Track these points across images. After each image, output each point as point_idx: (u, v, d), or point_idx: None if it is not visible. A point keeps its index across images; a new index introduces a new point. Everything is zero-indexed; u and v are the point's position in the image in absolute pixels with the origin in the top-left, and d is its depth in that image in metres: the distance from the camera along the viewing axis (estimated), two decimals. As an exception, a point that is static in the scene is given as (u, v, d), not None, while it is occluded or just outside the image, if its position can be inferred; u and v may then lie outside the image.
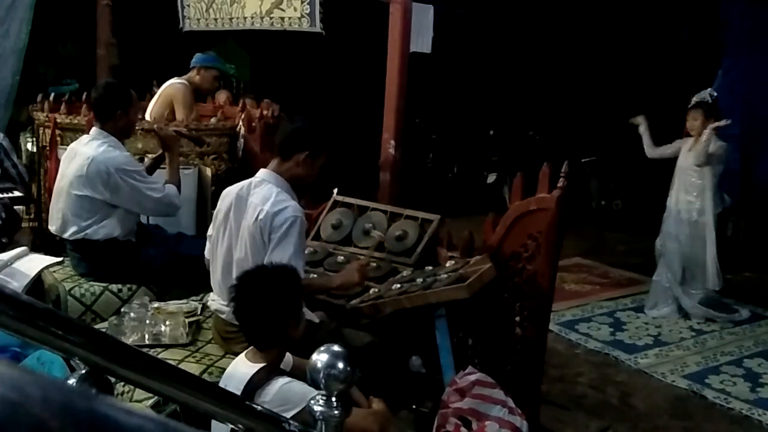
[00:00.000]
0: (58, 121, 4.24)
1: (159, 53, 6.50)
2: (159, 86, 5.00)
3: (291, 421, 1.44)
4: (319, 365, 1.44)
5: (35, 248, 4.10)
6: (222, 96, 5.81)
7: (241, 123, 4.44)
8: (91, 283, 3.39)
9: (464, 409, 2.69)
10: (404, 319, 3.01)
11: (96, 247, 3.37)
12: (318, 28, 4.29)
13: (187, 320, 2.97)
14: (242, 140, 4.40)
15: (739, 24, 6.03)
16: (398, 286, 3.02)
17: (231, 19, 4.94)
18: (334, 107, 7.82)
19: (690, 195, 4.67)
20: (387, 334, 2.97)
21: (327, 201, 3.80)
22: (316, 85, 8.22)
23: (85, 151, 3.34)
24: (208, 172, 4.23)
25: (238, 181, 2.89)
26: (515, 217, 3.07)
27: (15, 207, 4.54)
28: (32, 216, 4.79)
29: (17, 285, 3.40)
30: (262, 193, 2.71)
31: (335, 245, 3.57)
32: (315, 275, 3.21)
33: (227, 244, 2.78)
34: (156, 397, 2.40)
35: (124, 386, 2.52)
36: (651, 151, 4.83)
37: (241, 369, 2.15)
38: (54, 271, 3.52)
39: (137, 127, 3.82)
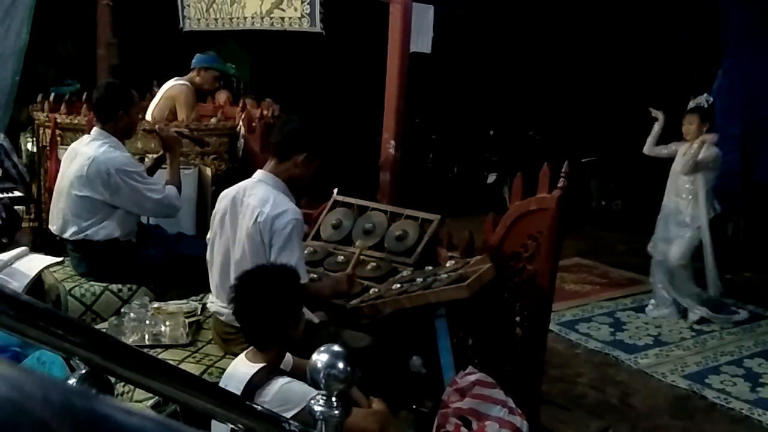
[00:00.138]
0: (58, 121, 4.24)
1: (159, 53, 6.50)
2: (159, 86, 5.00)
3: (291, 421, 1.44)
4: (320, 365, 1.44)
5: (35, 248, 4.10)
6: (222, 96, 5.81)
7: (241, 123, 4.44)
8: (92, 283, 3.39)
9: (464, 409, 2.69)
10: (404, 319, 3.01)
11: (96, 248, 3.37)
12: (318, 28, 4.28)
13: (187, 320, 2.97)
14: (242, 140, 4.40)
15: (739, 24, 6.03)
16: (398, 286, 3.02)
17: (231, 19, 4.94)
18: (334, 107, 7.82)
19: (682, 199, 4.68)
20: (387, 334, 2.97)
21: (327, 201, 3.80)
22: (316, 85, 8.22)
23: (85, 152, 3.34)
24: (209, 172, 4.23)
25: (239, 181, 2.89)
26: (515, 217, 3.07)
27: (15, 207, 4.54)
28: (32, 216, 4.79)
29: (17, 285, 3.39)
30: (259, 195, 2.70)
31: (335, 245, 3.57)
32: (315, 275, 3.21)
33: (224, 246, 2.78)
34: (156, 398, 2.40)
35: (124, 386, 2.52)
36: (649, 148, 4.83)
37: (241, 369, 2.15)
38: (54, 271, 3.51)
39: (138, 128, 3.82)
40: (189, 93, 4.76)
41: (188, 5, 5.31)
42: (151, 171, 3.65)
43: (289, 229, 2.63)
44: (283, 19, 4.49)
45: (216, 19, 5.10)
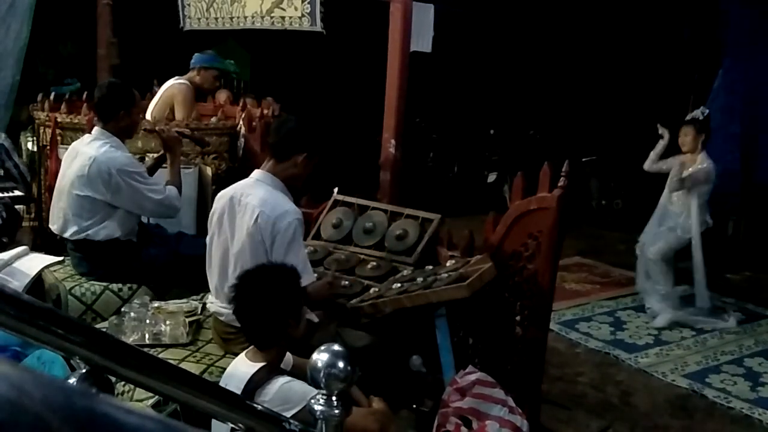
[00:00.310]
0: (59, 120, 4.25)
1: (159, 53, 6.50)
2: (160, 86, 5.00)
3: (291, 421, 1.44)
4: (320, 364, 1.44)
5: (36, 247, 4.10)
6: (222, 95, 5.81)
7: (241, 122, 4.44)
8: (92, 282, 3.39)
9: (465, 408, 2.69)
10: (404, 318, 3.01)
11: (97, 247, 3.37)
12: (319, 27, 4.28)
13: (187, 320, 2.97)
14: (243, 140, 4.40)
15: (739, 24, 6.03)
16: (398, 285, 3.02)
17: (231, 18, 4.94)
18: (334, 107, 7.82)
19: (676, 207, 4.68)
20: (387, 334, 2.97)
21: (327, 200, 3.80)
22: (316, 85, 8.22)
23: (86, 151, 3.34)
24: (209, 171, 4.24)
25: (239, 180, 2.89)
26: (516, 217, 3.07)
27: (16, 206, 4.54)
28: (33, 215, 4.79)
29: (18, 284, 3.40)
30: (259, 195, 2.70)
31: (335, 244, 3.57)
32: (316, 275, 3.21)
33: (223, 246, 2.78)
34: (156, 397, 2.40)
35: (124, 386, 2.52)
36: (650, 164, 4.82)
37: (241, 368, 2.15)
38: (54, 271, 3.52)
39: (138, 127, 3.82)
40: (187, 92, 4.75)
41: (188, 4, 5.31)
42: (152, 171, 3.64)
43: (291, 230, 2.64)
44: (283, 18, 4.49)
45: (216, 19, 5.10)
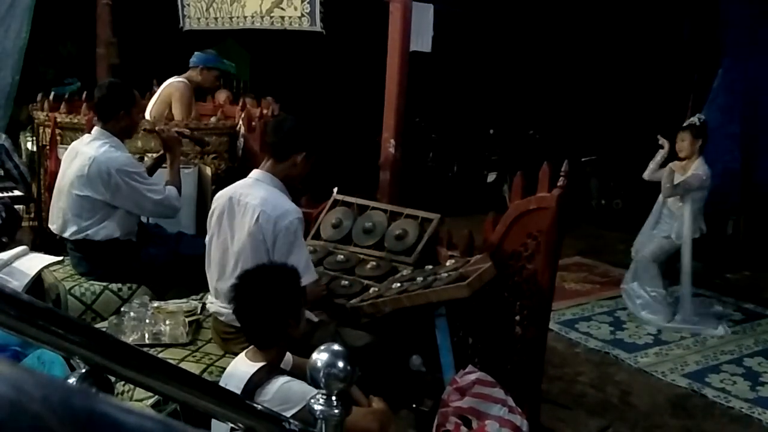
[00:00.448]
0: (58, 120, 4.24)
1: (159, 53, 6.50)
2: (159, 85, 5.00)
3: (291, 420, 1.44)
4: (320, 364, 1.44)
5: (35, 247, 4.10)
6: (222, 95, 5.81)
7: (241, 122, 4.44)
8: (91, 282, 3.39)
9: (464, 408, 2.70)
10: (404, 318, 3.01)
11: (96, 247, 3.37)
12: (318, 27, 4.28)
13: (187, 319, 2.97)
14: (242, 139, 4.40)
15: (739, 24, 6.03)
16: (398, 285, 3.02)
17: (231, 18, 4.93)
18: (334, 106, 7.82)
19: (670, 212, 4.68)
20: (387, 333, 2.97)
21: (327, 200, 3.80)
22: (316, 85, 8.22)
23: (86, 151, 3.34)
24: (208, 171, 4.23)
25: (239, 180, 2.89)
26: (515, 216, 3.07)
27: (15, 206, 4.54)
28: (32, 215, 4.79)
29: (17, 284, 3.40)
30: (259, 195, 2.70)
31: (335, 244, 3.57)
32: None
33: (222, 246, 2.78)
34: (156, 397, 2.40)
35: (124, 385, 2.52)
36: (650, 174, 4.81)
37: (241, 368, 2.15)
38: (54, 270, 3.52)
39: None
40: (185, 90, 4.75)
41: (188, 4, 5.31)
42: (151, 171, 3.64)
43: (293, 230, 2.65)
44: (283, 18, 4.49)
45: (216, 19, 5.10)
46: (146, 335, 2.87)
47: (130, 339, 2.82)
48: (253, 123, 4.43)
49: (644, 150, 4.94)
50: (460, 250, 3.32)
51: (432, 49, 4.41)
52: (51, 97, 4.56)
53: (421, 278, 2.99)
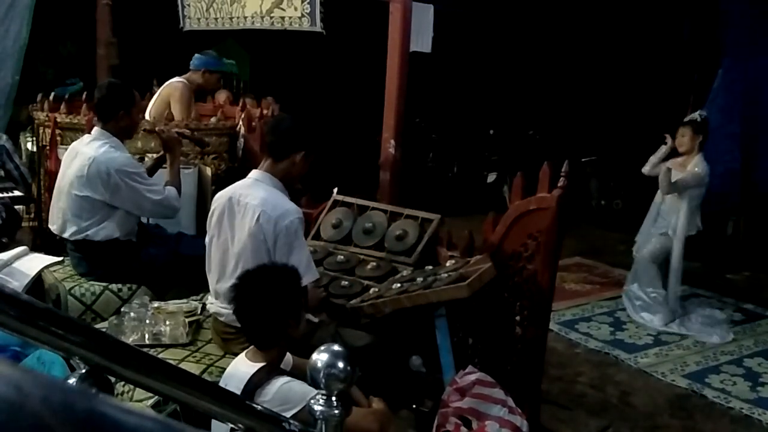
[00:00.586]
0: (58, 120, 4.25)
1: (159, 53, 6.51)
2: (159, 86, 5.01)
3: (291, 421, 1.44)
4: (320, 365, 1.44)
5: (35, 248, 4.10)
6: (222, 95, 5.81)
7: (241, 122, 4.44)
8: (92, 282, 3.39)
9: (464, 408, 2.69)
10: (404, 318, 3.01)
11: (96, 248, 3.37)
12: (318, 27, 4.28)
13: (187, 320, 2.97)
14: (242, 140, 4.40)
15: (739, 24, 6.03)
16: (398, 285, 3.02)
17: (231, 18, 4.94)
18: (334, 107, 7.82)
19: (668, 209, 4.67)
20: (387, 334, 2.97)
21: (327, 200, 3.80)
22: (316, 85, 8.22)
23: (86, 152, 3.34)
24: (208, 171, 4.23)
25: (239, 180, 2.89)
26: (515, 217, 3.07)
27: (15, 206, 4.54)
28: (32, 215, 4.80)
29: (17, 284, 3.40)
30: (259, 195, 2.70)
31: (335, 245, 3.57)
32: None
33: (222, 247, 2.77)
34: (156, 397, 2.40)
35: (124, 386, 2.52)
36: (651, 168, 4.79)
37: (241, 368, 2.15)
38: (54, 271, 3.52)
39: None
40: (184, 90, 4.76)
41: (188, 5, 5.31)
42: (151, 171, 3.64)
43: (294, 229, 2.65)
44: (283, 18, 4.49)
45: (216, 19, 5.10)
46: (146, 336, 2.87)
47: (130, 339, 2.82)
48: (253, 123, 4.43)
49: (644, 150, 4.94)
50: (460, 250, 3.32)
51: (432, 49, 4.42)
52: (51, 97, 4.56)
53: (421, 279, 2.99)
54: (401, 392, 3.02)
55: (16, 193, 4.63)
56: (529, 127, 8.07)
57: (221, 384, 2.07)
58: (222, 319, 2.76)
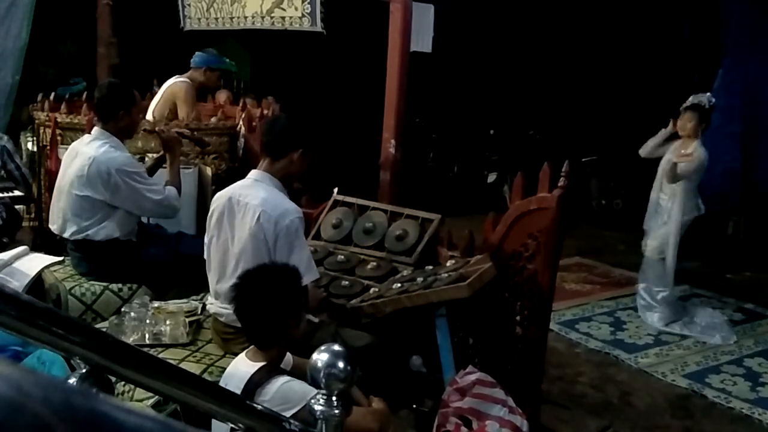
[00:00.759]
0: (59, 120, 4.25)
1: (159, 53, 6.51)
2: (159, 85, 5.01)
3: (291, 420, 1.44)
4: (320, 364, 1.44)
5: (36, 247, 4.10)
6: (222, 95, 5.82)
7: (241, 122, 4.44)
8: (92, 282, 3.39)
9: (465, 408, 2.69)
10: (405, 318, 3.01)
11: (97, 247, 3.37)
12: (319, 27, 4.28)
13: (187, 320, 2.97)
14: (242, 139, 4.40)
15: (739, 24, 6.03)
16: (399, 285, 3.02)
17: (232, 18, 4.93)
18: (334, 107, 7.82)
19: (665, 194, 4.64)
20: (387, 334, 2.97)
21: (327, 200, 3.80)
22: (316, 85, 8.22)
23: (86, 151, 3.34)
24: (209, 171, 4.23)
25: (239, 180, 2.89)
26: (516, 217, 3.07)
27: (16, 206, 4.54)
28: (33, 215, 4.80)
29: (18, 284, 3.40)
30: (259, 195, 2.70)
31: (335, 245, 3.57)
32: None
33: (222, 247, 2.78)
34: (156, 397, 2.40)
35: (124, 386, 2.52)
36: (649, 150, 4.75)
37: (241, 368, 2.15)
38: (54, 271, 3.52)
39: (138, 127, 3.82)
40: (189, 89, 4.76)
41: (189, 4, 5.31)
42: (152, 171, 3.65)
43: (294, 229, 2.65)
44: (283, 18, 4.49)
45: (216, 19, 5.10)
46: (147, 335, 2.87)
47: (131, 339, 2.82)
48: (254, 123, 4.43)
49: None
50: (461, 250, 3.32)
51: (432, 49, 4.42)
52: (51, 97, 4.56)
53: (422, 278, 2.99)
54: (401, 392, 3.02)
55: (17, 193, 4.63)
56: (530, 127, 8.07)
57: (221, 384, 2.07)
58: (222, 319, 2.76)
